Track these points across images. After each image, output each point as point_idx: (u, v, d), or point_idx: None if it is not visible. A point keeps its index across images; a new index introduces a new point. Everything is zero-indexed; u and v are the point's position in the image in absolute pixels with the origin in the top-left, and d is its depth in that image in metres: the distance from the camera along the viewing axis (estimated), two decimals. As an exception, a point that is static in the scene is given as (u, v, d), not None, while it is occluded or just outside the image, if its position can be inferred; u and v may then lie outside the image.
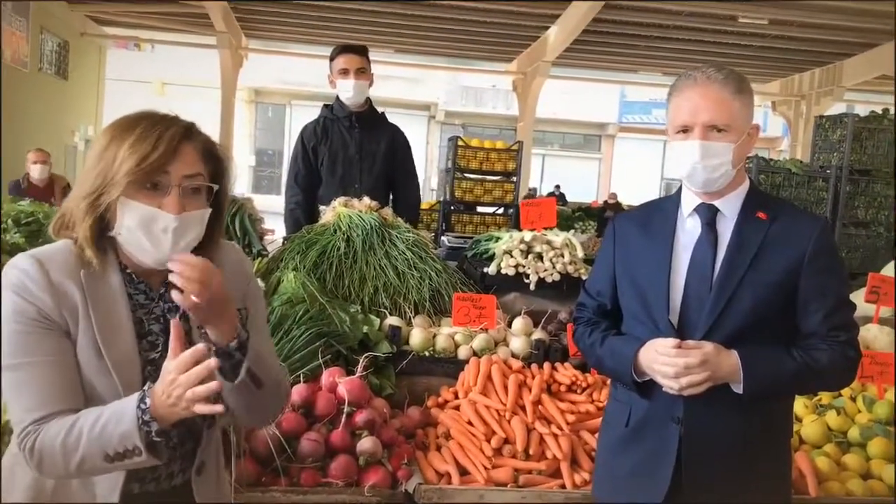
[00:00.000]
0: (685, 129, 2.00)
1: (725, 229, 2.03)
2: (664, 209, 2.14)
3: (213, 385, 1.44)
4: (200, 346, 1.46)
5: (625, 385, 2.09)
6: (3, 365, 1.51)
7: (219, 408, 1.46)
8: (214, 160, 1.65)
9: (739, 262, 1.98)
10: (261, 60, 21.09)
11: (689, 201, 2.08)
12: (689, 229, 2.07)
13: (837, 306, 1.99)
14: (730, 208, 2.04)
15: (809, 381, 2.03)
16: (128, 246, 1.58)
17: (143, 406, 1.46)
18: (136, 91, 23.44)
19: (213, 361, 1.45)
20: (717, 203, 2.04)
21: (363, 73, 4.08)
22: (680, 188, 2.12)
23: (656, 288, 2.03)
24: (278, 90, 27.35)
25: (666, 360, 1.93)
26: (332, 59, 4.14)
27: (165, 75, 25.23)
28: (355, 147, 4.11)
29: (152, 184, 1.54)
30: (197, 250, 1.64)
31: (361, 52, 4.13)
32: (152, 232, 1.55)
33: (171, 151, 1.53)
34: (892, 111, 6.20)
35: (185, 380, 1.43)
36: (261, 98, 28.35)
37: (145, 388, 1.48)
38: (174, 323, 1.50)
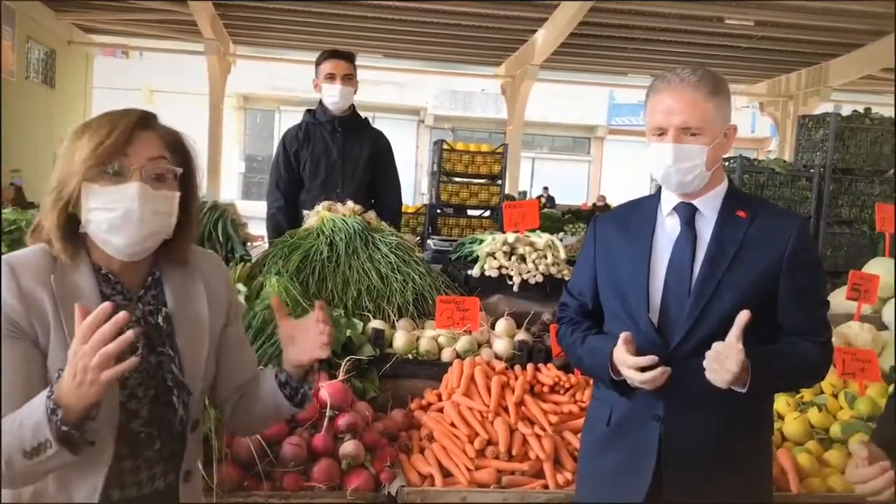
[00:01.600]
0: (660, 132, 2.01)
1: (705, 228, 2.04)
2: (644, 209, 2.15)
3: (124, 337, 1.36)
4: (104, 306, 1.37)
5: (605, 384, 2.10)
6: None
7: (127, 364, 1.36)
8: (181, 150, 1.65)
9: (719, 261, 1.99)
10: (249, 66, 21.08)
11: (669, 200, 2.09)
12: (668, 229, 2.08)
13: (817, 305, 2.02)
14: (709, 207, 2.05)
15: (795, 378, 2.07)
16: (98, 232, 1.56)
17: (50, 394, 1.39)
18: (124, 99, 23.34)
19: (120, 315, 1.36)
20: (695, 202, 2.05)
21: (349, 79, 4.08)
22: (660, 187, 2.13)
23: (636, 287, 2.04)
24: (267, 96, 27.34)
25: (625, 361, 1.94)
26: (318, 63, 4.15)
27: (153, 82, 25.20)
28: (338, 152, 4.11)
29: (114, 171, 1.54)
30: (169, 244, 1.64)
31: (349, 57, 4.14)
32: (119, 207, 1.53)
33: (126, 134, 1.54)
34: (874, 110, 6.24)
35: (89, 347, 1.35)
36: (249, 104, 28.32)
37: (57, 376, 1.42)
38: (79, 307, 1.40)
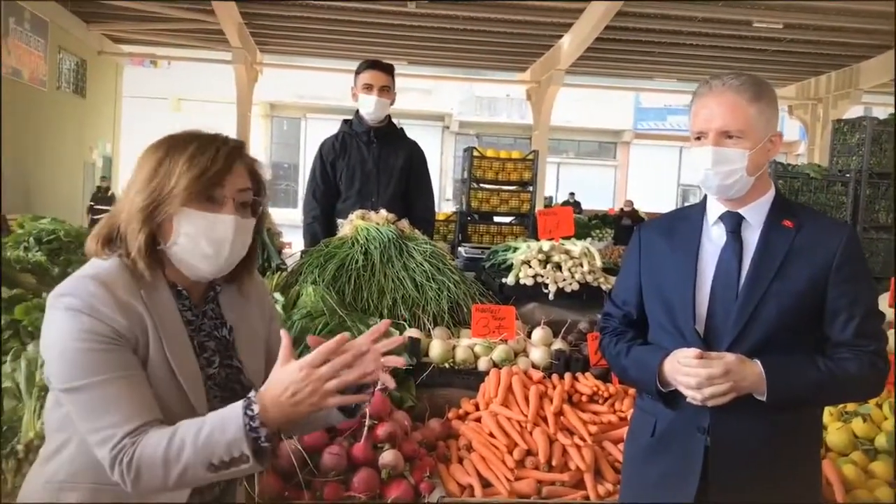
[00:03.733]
0: (700, 136, 2.00)
1: (751, 237, 2.02)
2: (689, 217, 2.12)
3: (372, 374, 1.50)
4: (343, 335, 1.49)
5: (650, 395, 2.07)
6: (74, 386, 1.48)
7: (359, 397, 1.52)
8: (257, 179, 1.70)
9: (765, 270, 1.96)
10: (276, 75, 21.23)
11: (714, 209, 2.06)
12: (714, 238, 2.06)
13: (866, 315, 1.96)
14: (755, 216, 2.03)
15: (835, 391, 2.00)
16: (185, 255, 1.60)
17: (250, 413, 1.44)
18: (153, 107, 23.69)
19: (361, 344, 1.50)
20: (741, 211, 2.02)
21: (387, 91, 4.09)
22: (705, 196, 2.11)
23: (682, 297, 2.01)
24: (293, 104, 27.54)
25: (688, 371, 1.91)
26: (357, 72, 4.14)
27: (181, 91, 25.49)
28: (373, 162, 4.12)
29: (208, 196, 1.58)
30: (239, 266, 1.70)
31: (388, 70, 4.15)
32: (213, 237, 1.59)
33: (227, 166, 1.59)
34: (912, 113, 6.16)
35: (328, 369, 1.44)
36: (276, 112, 28.54)
37: (250, 395, 1.47)
38: (284, 333, 1.51)
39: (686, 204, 21.82)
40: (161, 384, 1.54)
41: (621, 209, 17.84)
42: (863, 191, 5.86)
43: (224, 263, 1.63)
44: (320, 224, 4.10)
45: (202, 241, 1.58)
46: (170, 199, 1.55)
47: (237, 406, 1.46)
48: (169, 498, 1.54)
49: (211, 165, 1.56)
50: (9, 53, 13.08)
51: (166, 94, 25.41)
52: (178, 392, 1.56)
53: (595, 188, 27.52)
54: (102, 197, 15.87)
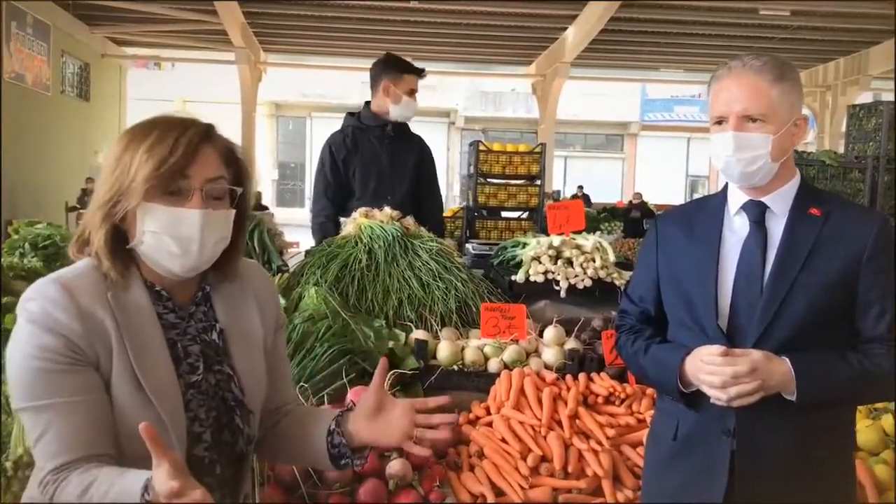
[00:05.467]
0: (721, 121, 1.88)
1: (776, 228, 1.89)
2: (709, 208, 2.00)
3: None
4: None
5: (671, 396, 1.95)
6: (23, 406, 1.39)
7: None
8: (235, 164, 1.56)
9: (791, 262, 1.84)
10: (280, 74, 21.21)
11: (736, 198, 1.94)
12: (736, 228, 1.93)
13: None
14: (779, 205, 1.90)
15: (869, 389, 1.87)
16: (152, 254, 1.47)
17: (147, 497, 1.26)
18: (158, 109, 23.21)
19: None
20: (765, 199, 1.90)
21: (414, 93, 4.07)
22: (726, 185, 1.98)
23: (703, 292, 1.89)
24: (298, 103, 27.52)
25: (712, 370, 1.79)
26: (393, 73, 4.03)
27: (186, 93, 25.43)
28: (387, 159, 4.03)
29: (173, 189, 1.45)
30: (221, 259, 1.56)
31: (422, 75, 4.13)
32: (179, 234, 1.45)
33: (190, 154, 1.45)
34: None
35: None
36: (281, 112, 28.52)
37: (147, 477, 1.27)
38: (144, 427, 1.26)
39: (695, 195, 21.74)
40: (127, 398, 1.42)
41: (630, 202, 17.68)
42: (880, 177, 5.72)
43: (197, 261, 1.49)
44: (333, 223, 3.94)
45: (166, 238, 1.45)
46: (129, 194, 1.43)
47: (141, 477, 1.27)
48: None
49: (170, 155, 1.42)
50: (11, 57, 13.03)
51: (171, 95, 25.35)
52: (147, 405, 1.42)
53: (603, 181, 27.39)
54: (88, 199, 15.63)
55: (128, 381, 1.42)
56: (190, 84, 24.76)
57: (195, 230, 1.46)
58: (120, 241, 1.48)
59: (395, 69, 4.05)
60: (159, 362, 1.47)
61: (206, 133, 1.50)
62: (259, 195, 17.32)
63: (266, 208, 14.24)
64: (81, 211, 14.16)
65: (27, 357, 1.39)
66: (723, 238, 1.93)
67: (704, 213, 2.00)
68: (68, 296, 1.41)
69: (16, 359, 1.40)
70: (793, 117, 1.87)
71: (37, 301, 1.41)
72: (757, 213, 1.90)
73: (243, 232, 1.63)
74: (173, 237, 1.45)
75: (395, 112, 4.02)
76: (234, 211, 1.54)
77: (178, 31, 15.96)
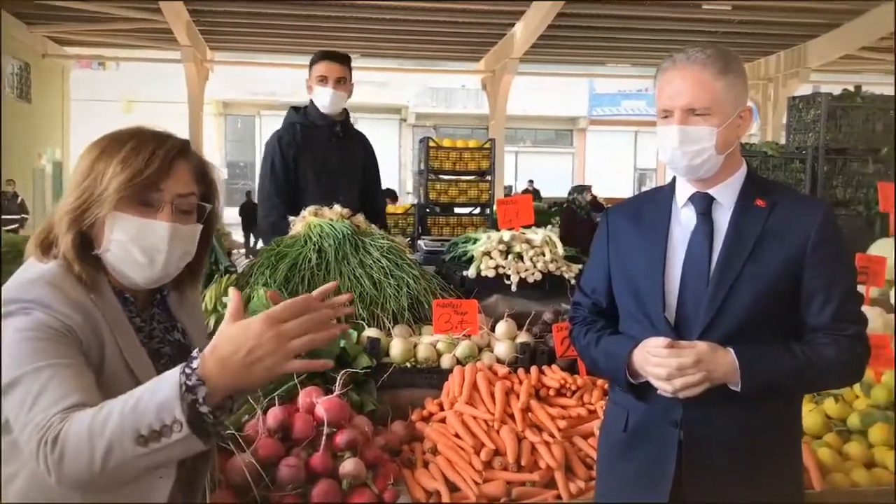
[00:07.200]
0: (666, 114, 1.90)
1: (722, 219, 1.92)
2: (658, 200, 2.03)
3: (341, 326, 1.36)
4: (315, 293, 1.35)
5: (621, 387, 1.98)
6: (13, 378, 1.32)
7: (321, 363, 1.33)
8: (206, 180, 1.59)
9: (737, 254, 1.87)
10: (227, 72, 20.91)
11: (683, 191, 1.97)
12: (683, 221, 1.96)
13: (844, 297, 1.87)
14: (726, 196, 1.93)
15: (813, 378, 1.91)
16: (117, 263, 1.49)
17: (188, 370, 1.24)
18: (103, 111, 23.12)
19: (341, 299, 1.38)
20: (711, 191, 1.93)
21: (343, 82, 3.90)
22: (674, 178, 2.01)
23: (651, 284, 1.92)
24: (246, 101, 27.15)
25: (658, 361, 1.82)
26: (311, 63, 3.95)
27: (132, 93, 24.93)
28: (338, 157, 3.95)
29: (143, 200, 1.47)
30: (184, 272, 1.60)
31: (343, 60, 3.95)
32: (146, 244, 1.47)
33: (165, 168, 1.47)
34: (864, 88, 6.18)
35: (296, 325, 1.26)
36: (229, 110, 28.11)
37: (193, 352, 1.27)
38: (233, 291, 1.33)
39: (643, 188, 21.91)
40: (121, 392, 1.40)
41: (581, 196, 17.82)
42: (820, 167, 5.86)
43: (159, 273, 1.51)
44: (285, 222, 3.74)
45: (133, 248, 1.47)
46: (100, 202, 1.43)
47: (175, 369, 1.27)
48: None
49: (145, 168, 1.44)
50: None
51: (116, 96, 24.86)
52: None
53: (553, 176, 27.52)
54: (9, 202, 14.71)
55: (123, 376, 1.42)
56: (135, 84, 24.25)
57: (163, 242, 1.48)
58: (86, 247, 1.48)
59: (310, 63, 3.98)
60: (144, 360, 1.50)
61: (182, 148, 1.52)
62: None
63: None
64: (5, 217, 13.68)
65: (19, 331, 1.35)
66: (671, 230, 1.96)
67: (653, 205, 2.03)
68: (58, 290, 1.41)
69: (5, 345, 1.35)
70: (737, 109, 1.90)
71: (25, 299, 1.39)
72: (703, 205, 1.93)
73: (207, 247, 1.66)
74: (141, 247, 1.47)
75: (318, 104, 3.93)
76: (200, 226, 1.57)
77: (122, 29, 15.60)
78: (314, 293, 1.38)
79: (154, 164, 1.45)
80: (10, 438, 1.39)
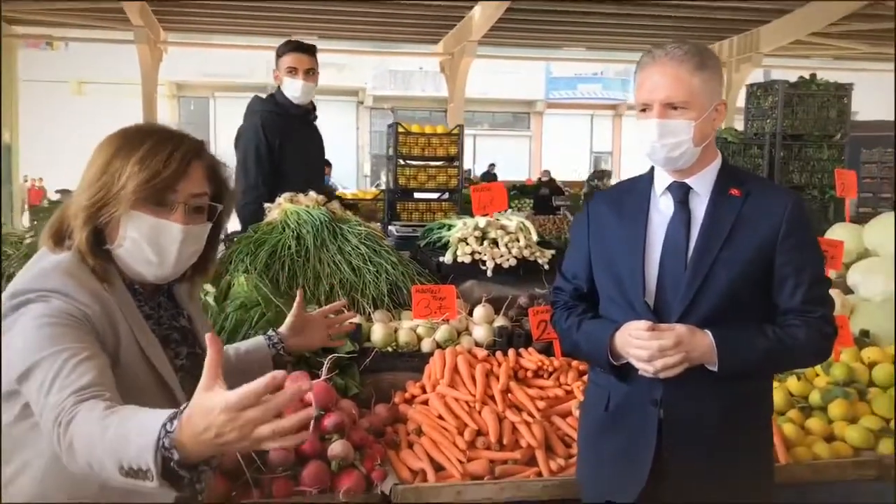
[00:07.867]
0: (645, 108, 1.99)
1: (699, 208, 2.02)
2: (637, 189, 2.12)
3: (305, 413, 1.21)
4: (278, 374, 1.20)
5: (602, 369, 2.07)
6: (34, 361, 1.35)
7: (298, 438, 1.21)
8: (219, 181, 1.64)
9: (713, 240, 1.97)
10: (181, 54, 20.50)
11: (662, 180, 2.06)
12: (662, 209, 2.06)
13: (813, 282, 1.99)
14: (702, 186, 2.03)
15: (785, 358, 2.04)
16: (129, 259, 1.54)
17: (168, 427, 1.22)
18: (53, 92, 22.61)
19: (300, 390, 1.21)
20: (688, 181, 2.03)
21: (311, 73, 3.99)
22: (653, 167, 2.10)
23: (631, 269, 2.01)
24: (201, 83, 26.69)
25: (640, 343, 1.92)
26: (279, 54, 3.99)
27: (82, 74, 24.36)
28: (315, 146, 4.04)
29: (159, 201, 1.52)
30: (193, 268, 1.67)
31: (311, 51, 4.02)
32: (158, 244, 1.52)
33: (181, 170, 1.51)
34: (819, 76, 6.36)
35: (259, 413, 1.17)
36: (183, 92, 27.61)
37: (181, 408, 1.25)
38: (211, 339, 1.27)
39: (596, 170, 22.07)
40: (139, 380, 1.47)
41: (539, 179, 17.98)
42: (777, 153, 6.04)
43: (170, 271, 1.57)
44: (262, 208, 3.74)
45: (146, 246, 1.52)
46: (116, 201, 1.48)
47: (163, 415, 1.25)
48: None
49: (163, 169, 1.49)
50: None
51: (66, 77, 24.27)
52: (160, 387, 1.50)
53: (511, 159, 27.69)
54: None
55: (140, 364, 1.48)
56: (86, 65, 23.67)
57: (175, 243, 1.53)
58: (99, 241, 1.52)
59: (277, 54, 4.04)
60: (158, 348, 1.55)
61: (199, 150, 1.57)
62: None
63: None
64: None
65: (39, 318, 1.38)
66: (650, 218, 2.05)
67: (633, 193, 2.12)
68: (75, 280, 1.46)
69: (23, 333, 1.38)
70: (713, 103, 1.99)
71: (41, 294, 1.42)
72: (681, 194, 2.03)
73: (216, 245, 1.73)
74: (154, 246, 1.52)
75: (289, 95, 3.99)
76: (210, 225, 1.62)
77: (71, 9, 15.20)
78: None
79: (172, 166, 1.49)
80: (23, 425, 1.43)
